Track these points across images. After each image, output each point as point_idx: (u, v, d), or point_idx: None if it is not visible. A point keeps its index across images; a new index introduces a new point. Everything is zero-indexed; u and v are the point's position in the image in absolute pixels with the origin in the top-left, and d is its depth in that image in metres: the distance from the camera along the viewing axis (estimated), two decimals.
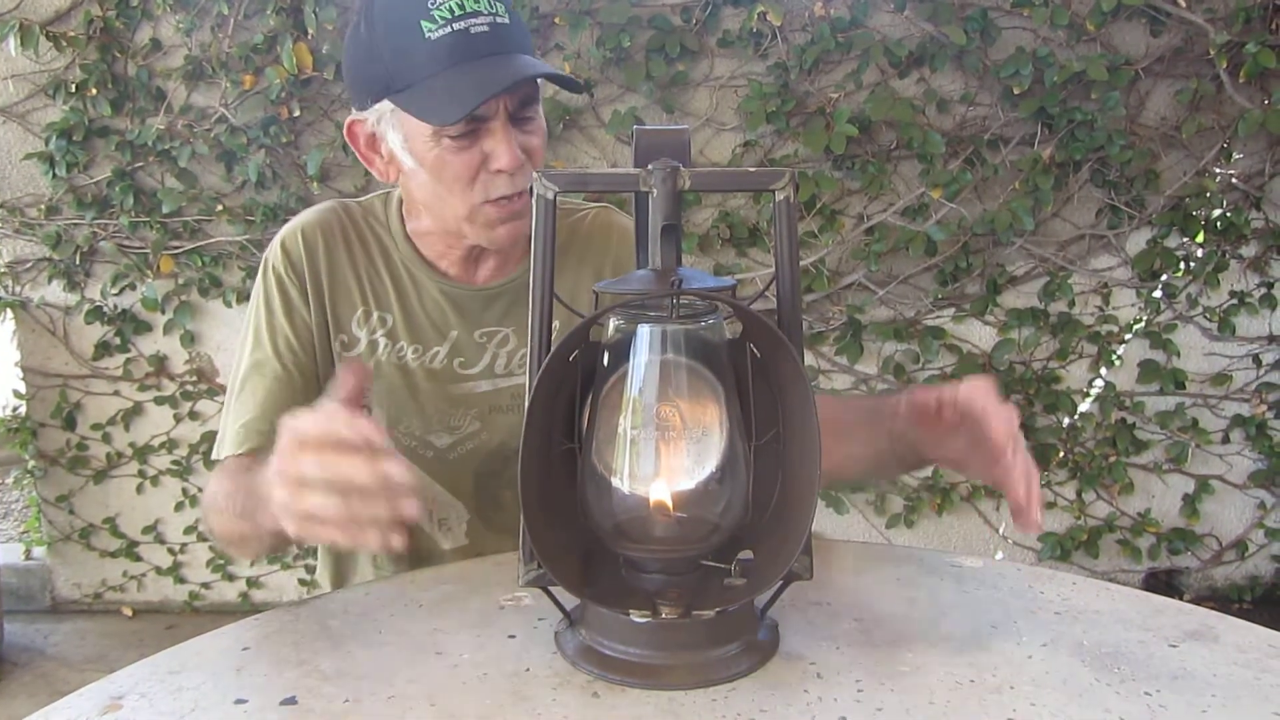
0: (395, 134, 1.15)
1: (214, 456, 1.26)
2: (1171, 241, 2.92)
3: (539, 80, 1.16)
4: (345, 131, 1.21)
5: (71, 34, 2.80)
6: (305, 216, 1.28)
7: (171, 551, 3.17)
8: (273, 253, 1.26)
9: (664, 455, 0.81)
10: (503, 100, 1.10)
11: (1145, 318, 2.98)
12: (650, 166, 0.81)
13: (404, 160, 1.17)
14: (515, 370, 1.28)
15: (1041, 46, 2.77)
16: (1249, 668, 0.85)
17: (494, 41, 1.08)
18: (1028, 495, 0.91)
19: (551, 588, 0.87)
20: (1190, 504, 3.09)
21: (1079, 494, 3.09)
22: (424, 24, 1.06)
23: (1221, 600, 3.14)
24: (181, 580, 3.19)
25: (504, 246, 1.21)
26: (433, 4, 1.07)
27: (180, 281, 2.98)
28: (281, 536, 0.90)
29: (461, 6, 1.07)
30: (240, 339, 1.28)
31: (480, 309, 1.27)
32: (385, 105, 1.13)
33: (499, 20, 1.08)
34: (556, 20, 2.75)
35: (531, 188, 0.85)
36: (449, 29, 1.06)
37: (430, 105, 1.08)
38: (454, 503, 1.29)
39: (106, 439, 3.08)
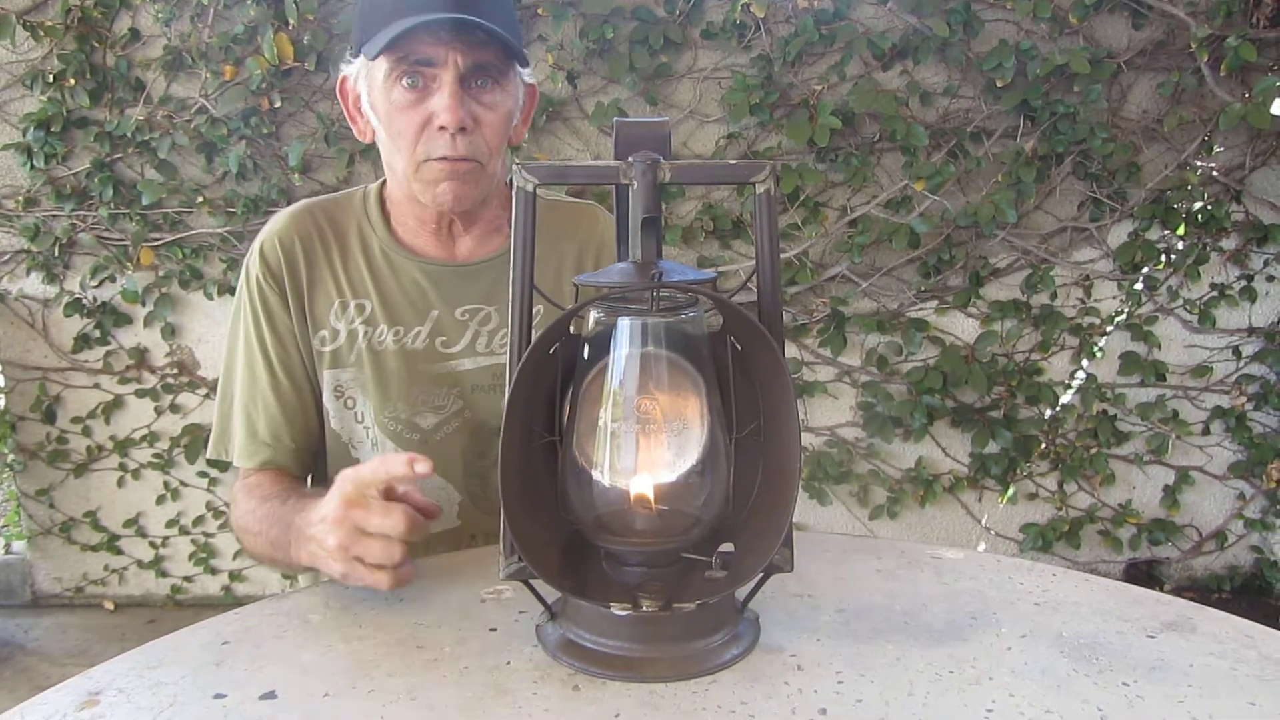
0: (364, 87, 1.20)
1: (211, 454, 1.31)
2: (1153, 234, 2.94)
3: (517, 66, 1.20)
4: (338, 89, 1.26)
5: (49, 23, 2.77)
6: (280, 221, 1.29)
7: (153, 545, 3.15)
8: (252, 259, 1.27)
9: (644, 448, 0.81)
10: (452, 55, 1.12)
11: (1126, 310, 3.00)
12: (630, 159, 0.81)
13: (370, 116, 1.21)
14: (497, 349, 1.29)
15: (1024, 39, 2.78)
16: (1225, 658, 0.86)
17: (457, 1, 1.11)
18: None
19: (532, 581, 0.87)
20: (1170, 495, 3.12)
21: (1060, 485, 3.11)
22: None
23: (1201, 590, 3.17)
24: (163, 574, 3.17)
25: (448, 207, 1.22)
26: None
27: (160, 274, 2.95)
28: (314, 569, 0.99)
29: None
30: (229, 335, 1.30)
31: (461, 286, 1.28)
32: (361, 59, 1.18)
33: None
34: (540, 11, 2.74)
35: (511, 180, 0.85)
36: None
37: (374, 43, 1.13)
38: (444, 485, 1.29)
39: (87, 432, 3.06)
